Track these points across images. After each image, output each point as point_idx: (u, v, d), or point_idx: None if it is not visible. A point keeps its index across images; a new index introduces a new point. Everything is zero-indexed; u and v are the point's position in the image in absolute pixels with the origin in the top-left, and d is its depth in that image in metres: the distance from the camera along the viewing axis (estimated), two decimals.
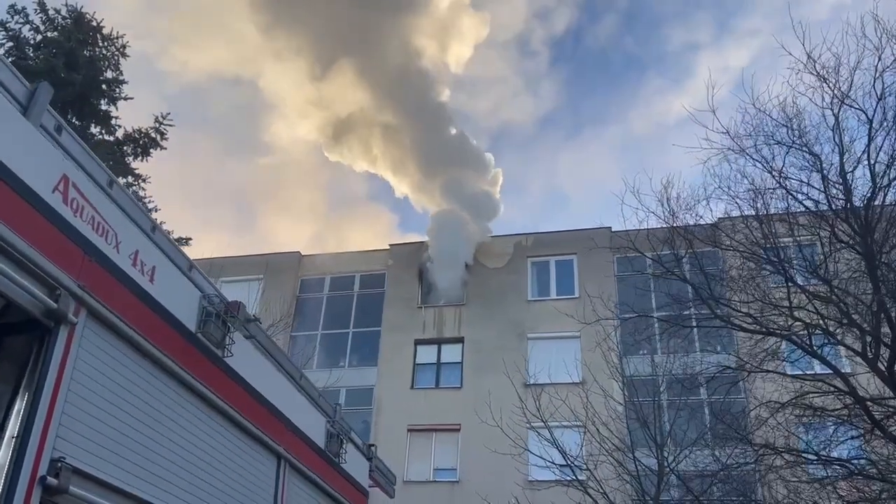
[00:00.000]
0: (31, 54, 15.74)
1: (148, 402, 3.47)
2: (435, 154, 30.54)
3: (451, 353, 27.06)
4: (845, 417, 10.77)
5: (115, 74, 17.12)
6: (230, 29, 42.08)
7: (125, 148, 16.89)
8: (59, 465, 2.83)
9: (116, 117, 17.06)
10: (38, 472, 2.76)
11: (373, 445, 7.37)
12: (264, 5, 33.77)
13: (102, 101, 16.80)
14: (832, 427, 11.34)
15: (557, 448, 16.53)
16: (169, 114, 17.34)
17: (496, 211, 30.60)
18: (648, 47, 58.80)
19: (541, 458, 16.99)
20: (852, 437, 11.22)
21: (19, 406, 2.83)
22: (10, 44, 15.43)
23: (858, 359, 10.34)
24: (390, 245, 29.84)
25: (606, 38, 57.57)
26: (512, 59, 51.28)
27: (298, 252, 30.48)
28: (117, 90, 17.01)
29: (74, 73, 15.73)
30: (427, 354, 27.29)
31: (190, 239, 18.27)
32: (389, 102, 31.53)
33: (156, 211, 17.46)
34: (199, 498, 3.71)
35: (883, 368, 9.67)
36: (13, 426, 2.78)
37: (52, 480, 2.78)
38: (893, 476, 9.90)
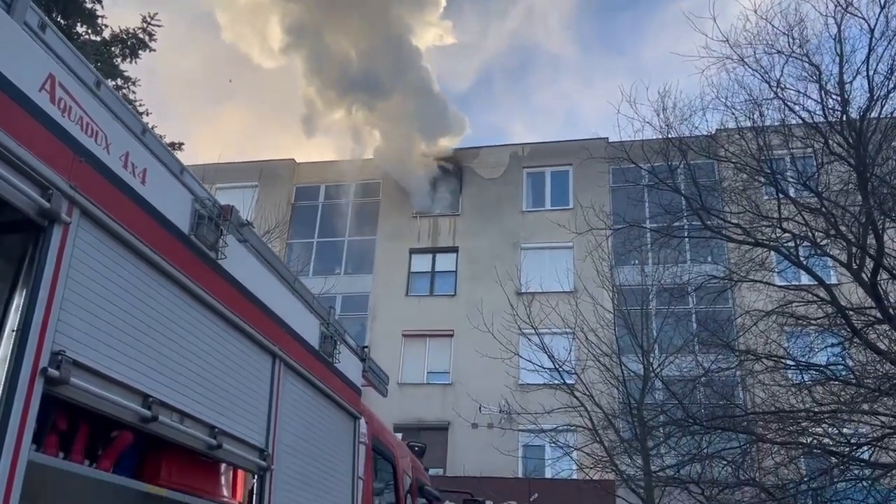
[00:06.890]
0: None
1: (143, 299, 3.56)
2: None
3: (445, 262, 27.39)
4: (826, 326, 11.08)
5: None
6: None
7: (113, 49, 16.43)
8: (60, 357, 2.92)
9: (102, 16, 16.50)
10: (39, 364, 2.85)
11: (366, 347, 7.58)
12: None
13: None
14: (813, 335, 11.68)
15: (547, 353, 17.03)
16: (157, 14, 16.81)
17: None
18: None
19: (530, 362, 17.54)
20: (832, 345, 11.58)
21: (18, 301, 2.90)
22: None
23: (843, 271, 10.55)
24: None
25: None
26: None
27: (293, 159, 30.27)
28: None
29: None
30: (422, 263, 27.62)
31: (182, 144, 18.10)
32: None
33: (147, 115, 17.18)
34: (195, 391, 3.87)
35: (866, 279, 9.88)
36: (13, 320, 2.86)
37: (53, 372, 2.88)
38: (867, 381, 10.28)
